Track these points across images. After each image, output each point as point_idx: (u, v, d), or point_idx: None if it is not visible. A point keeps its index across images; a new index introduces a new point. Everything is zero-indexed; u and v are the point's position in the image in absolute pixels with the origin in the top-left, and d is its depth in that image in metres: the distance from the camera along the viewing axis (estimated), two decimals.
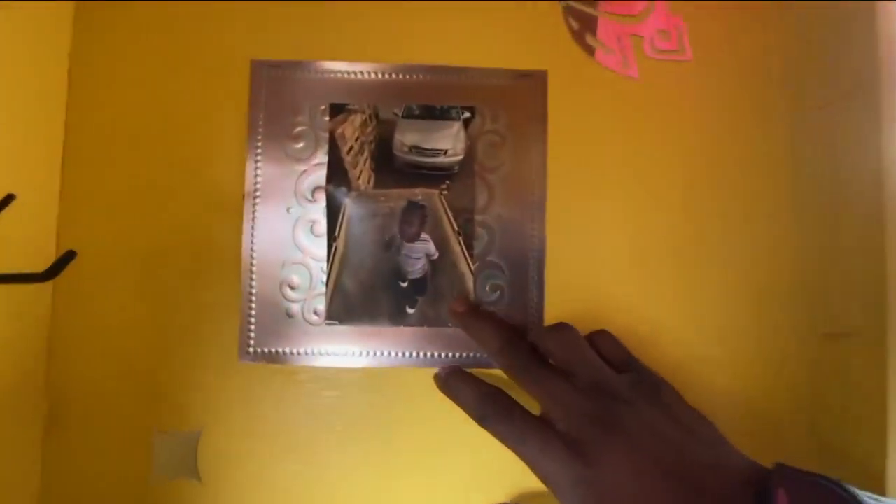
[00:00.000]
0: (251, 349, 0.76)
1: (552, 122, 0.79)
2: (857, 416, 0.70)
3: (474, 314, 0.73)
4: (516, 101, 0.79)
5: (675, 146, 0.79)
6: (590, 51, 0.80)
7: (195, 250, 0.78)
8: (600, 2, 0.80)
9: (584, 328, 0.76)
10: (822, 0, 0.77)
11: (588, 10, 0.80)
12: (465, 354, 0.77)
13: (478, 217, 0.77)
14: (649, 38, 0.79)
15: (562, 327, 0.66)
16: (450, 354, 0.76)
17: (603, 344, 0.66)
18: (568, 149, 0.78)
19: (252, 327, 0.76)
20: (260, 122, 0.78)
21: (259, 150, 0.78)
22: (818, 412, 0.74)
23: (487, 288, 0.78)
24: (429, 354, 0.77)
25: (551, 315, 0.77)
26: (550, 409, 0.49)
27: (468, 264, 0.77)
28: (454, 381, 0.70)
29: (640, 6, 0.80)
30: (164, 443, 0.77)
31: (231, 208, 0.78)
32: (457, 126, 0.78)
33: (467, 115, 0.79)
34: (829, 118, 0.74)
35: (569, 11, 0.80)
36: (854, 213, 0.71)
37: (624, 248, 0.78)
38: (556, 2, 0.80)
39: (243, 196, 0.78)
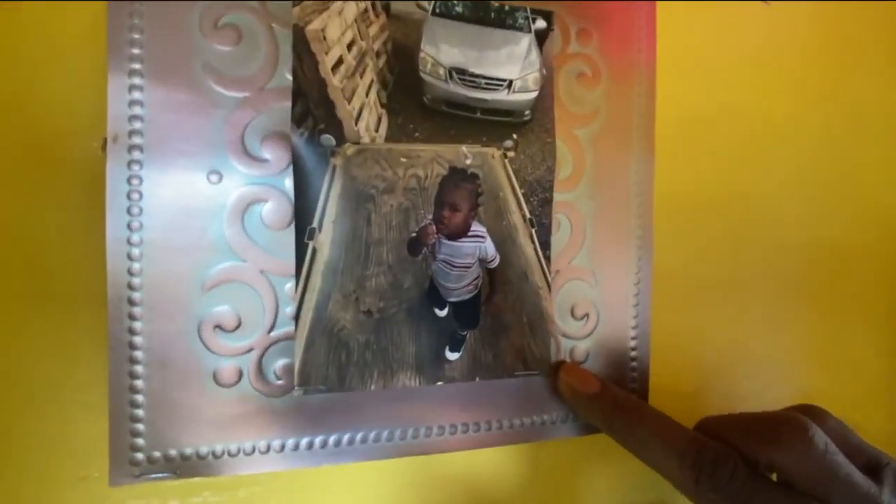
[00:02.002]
0: (140, 455, 0.22)
1: (661, 51, 0.31)
2: None
3: (618, 400, 0.26)
4: (613, 11, 0.31)
5: (808, 98, 0.43)
6: None
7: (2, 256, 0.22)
8: None
9: (711, 353, 0.39)
10: None
11: None
12: (540, 420, 0.29)
13: (559, 197, 0.29)
14: None
15: (802, 430, 0.19)
16: (519, 422, 0.28)
17: (834, 434, 0.21)
18: (679, 94, 0.38)
19: (139, 412, 0.22)
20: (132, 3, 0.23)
21: (136, 52, 0.26)
22: None
23: (570, 309, 0.30)
24: (487, 426, 0.28)
25: (659, 344, 0.34)
26: None
27: (545, 274, 0.29)
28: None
29: None
30: None
31: (77, 169, 0.27)
32: (526, 41, 0.28)
33: (542, 24, 0.28)
34: None
35: None
36: None
37: (757, 238, 0.42)
38: None
39: (104, 145, 0.20)
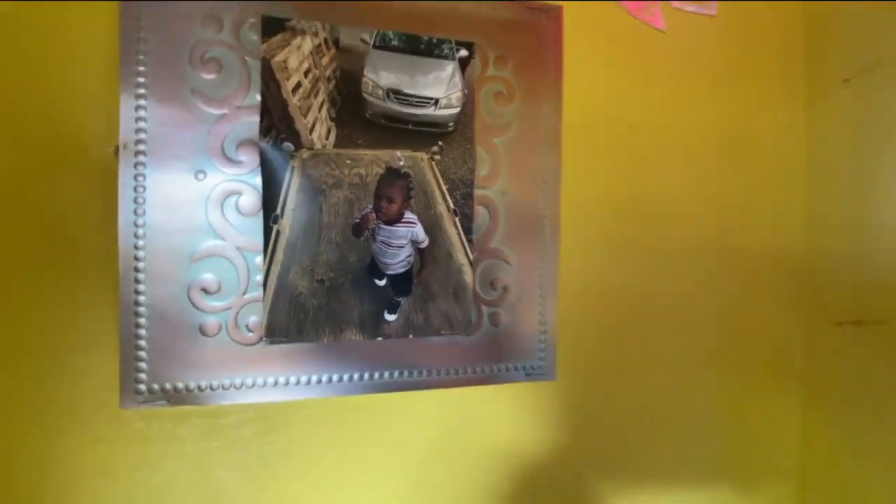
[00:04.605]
0: (142, 387, 0.32)
1: (567, 73, 0.39)
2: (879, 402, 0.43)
3: None
4: (526, 42, 0.40)
5: (700, 113, 0.50)
6: None
7: (32, 236, 0.35)
8: None
9: (611, 323, 0.47)
10: None
11: None
12: (464, 370, 0.37)
13: (478, 192, 0.37)
14: None
15: None
16: (444, 370, 0.37)
17: None
18: (583, 109, 0.46)
19: (141, 354, 0.31)
20: (140, 36, 0.35)
21: (141, 80, 0.35)
22: (830, 396, 0.47)
23: (489, 283, 0.38)
24: (417, 373, 0.37)
25: (568, 312, 0.41)
26: None
27: (466, 253, 0.37)
28: None
29: None
30: None
31: (96, 170, 0.36)
32: (451, 67, 0.36)
33: (464, 53, 0.37)
34: (854, 91, 0.43)
35: None
36: (880, 195, 0.42)
37: (650, 233, 0.48)
38: None
39: (116, 151, 0.29)
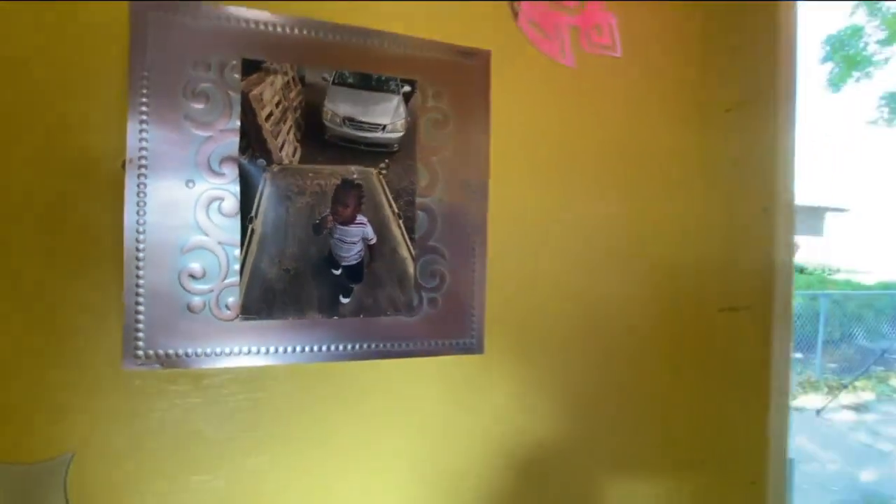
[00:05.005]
0: (140, 352, 0.41)
1: (494, 104, 0.50)
2: (744, 381, 0.54)
3: None
4: (459, 79, 0.50)
5: (605, 139, 0.61)
6: (531, 37, 0.53)
7: (56, 229, 0.43)
8: None
9: (529, 309, 0.56)
10: (730, 1, 0.57)
11: None
12: (406, 344, 0.48)
13: (419, 200, 0.48)
14: (585, 31, 0.55)
15: None
16: (389, 345, 0.47)
17: None
18: (509, 133, 0.56)
19: (140, 325, 0.40)
20: (145, 74, 0.42)
21: (144, 109, 0.42)
22: (712, 378, 0.58)
23: (429, 273, 0.49)
24: (366, 346, 0.47)
25: (494, 298, 0.50)
26: None
27: (409, 249, 0.48)
28: None
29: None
30: (8, 476, 0.39)
31: (107, 179, 0.45)
32: (396, 100, 0.47)
33: (407, 88, 0.48)
34: (734, 120, 0.55)
35: None
36: (750, 206, 0.54)
37: (562, 233, 0.56)
38: None
39: (123, 164, 0.39)
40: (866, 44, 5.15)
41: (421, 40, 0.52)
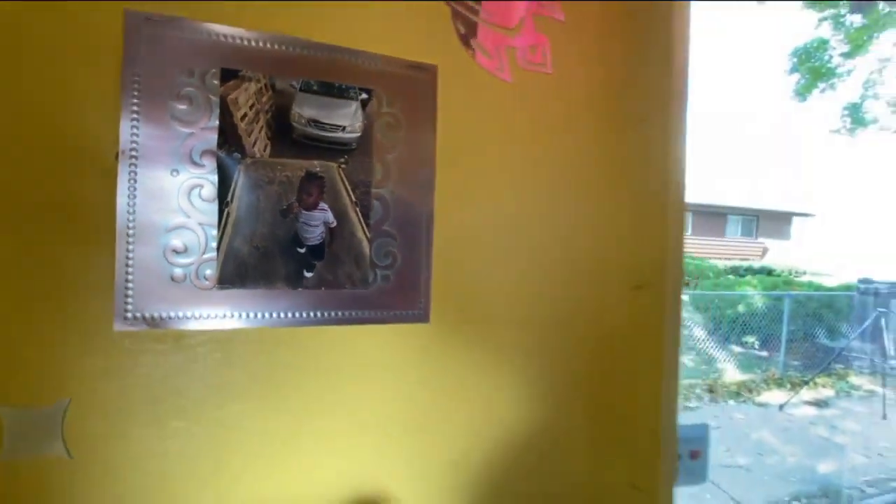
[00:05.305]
0: (129, 314, 0.49)
1: (441, 111, 0.61)
2: (645, 352, 0.66)
3: None
4: (410, 89, 0.60)
5: (536, 143, 0.71)
6: (473, 53, 0.63)
7: (59, 210, 0.49)
8: (482, 12, 0.64)
9: (468, 286, 0.65)
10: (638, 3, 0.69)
11: (472, 17, 0.63)
12: (362, 313, 0.57)
13: (374, 191, 0.58)
14: (521, 50, 0.66)
15: None
16: (347, 313, 0.57)
17: None
18: (454, 136, 0.65)
19: (130, 292, 0.49)
20: (136, 79, 0.50)
21: (136, 108, 0.50)
22: (621, 346, 0.70)
23: (382, 254, 0.59)
24: (326, 314, 0.56)
25: (439, 276, 0.61)
26: None
27: (365, 232, 0.57)
28: None
29: (514, 20, 0.66)
30: (14, 418, 0.47)
31: (103, 167, 0.51)
32: (355, 105, 0.57)
33: (365, 96, 0.58)
34: (645, 130, 0.67)
35: (456, 16, 0.63)
36: (652, 204, 0.66)
37: (498, 223, 0.66)
38: (446, 3, 0.62)
39: (117, 156, 0.48)
40: (831, 56, 5.46)
41: (377, 55, 0.62)
